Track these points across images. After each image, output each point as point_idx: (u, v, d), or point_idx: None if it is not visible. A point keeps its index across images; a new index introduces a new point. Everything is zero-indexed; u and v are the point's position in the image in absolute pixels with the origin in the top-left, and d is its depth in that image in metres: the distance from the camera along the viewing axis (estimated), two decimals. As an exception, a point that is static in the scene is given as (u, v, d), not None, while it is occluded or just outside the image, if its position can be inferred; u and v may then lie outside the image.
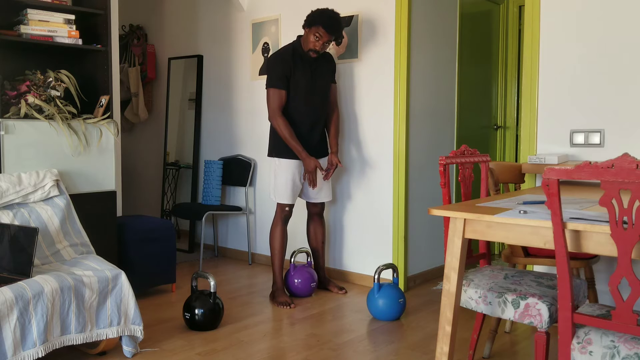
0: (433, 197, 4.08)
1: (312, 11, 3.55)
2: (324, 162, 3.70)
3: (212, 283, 3.09)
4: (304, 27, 3.55)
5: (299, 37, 3.63)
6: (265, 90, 3.57)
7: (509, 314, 2.11)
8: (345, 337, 3.04)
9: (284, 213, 3.65)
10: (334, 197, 4.10)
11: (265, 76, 3.63)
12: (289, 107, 3.54)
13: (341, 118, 4.03)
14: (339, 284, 3.93)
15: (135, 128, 5.89)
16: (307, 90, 3.55)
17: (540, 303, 2.04)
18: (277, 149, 3.61)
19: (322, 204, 3.82)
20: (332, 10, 3.53)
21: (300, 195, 3.72)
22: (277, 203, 3.65)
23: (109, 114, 3.33)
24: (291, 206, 3.65)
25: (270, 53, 4.50)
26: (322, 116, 3.67)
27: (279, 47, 4.40)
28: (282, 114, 3.51)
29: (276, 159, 3.62)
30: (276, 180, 3.62)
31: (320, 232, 3.85)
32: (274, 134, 3.63)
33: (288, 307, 3.49)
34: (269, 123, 3.63)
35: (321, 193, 3.74)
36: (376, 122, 3.92)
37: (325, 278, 3.88)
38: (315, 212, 3.83)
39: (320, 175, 3.67)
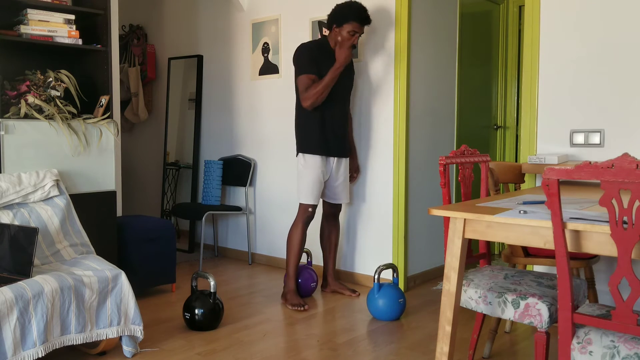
0: (433, 197, 4.08)
1: (338, 8, 3.47)
2: (345, 162, 3.67)
3: (212, 283, 3.09)
4: (332, 25, 3.47)
5: (324, 37, 3.59)
6: (295, 81, 3.48)
7: (509, 314, 2.11)
8: (345, 337, 3.04)
9: (306, 214, 3.56)
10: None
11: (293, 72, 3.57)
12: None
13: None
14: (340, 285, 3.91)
15: (135, 128, 5.89)
16: (331, 90, 3.46)
17: (540, 303, 2.04)
18: (305, 143, 3.53)
19: (340, 205, 3.78)
20: (357, 2, 3.47)
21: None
22: (301, 203, 3.56)
23: (109, 114, 3.33)
24: (314, 207, 3.57)
25: (271, 53, 4.50)
26: (345, 114, 3.65)
27: (279, 47, 4.41)
28: (303, 116, 3.49)
29: (301, 156, 3.54)
30: (301, 179, 3.55)
31: (334, 234, 3.80)
32: (299, 129, 3.56)
33: (302, 309, 3.44)
34: (294, 121, 3.59)
35: (342, 194, 3.69)
36: (376, 122, 3.92)
37: (334, 281, 3.84)
38: (332, 212, 3.77)
39: (341, 177, 3.64)
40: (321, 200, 3.75)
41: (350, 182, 3.83)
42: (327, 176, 3.59)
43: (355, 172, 3.87)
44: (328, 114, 3.52)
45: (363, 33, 3.52)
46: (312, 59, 3.45)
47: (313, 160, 3.52)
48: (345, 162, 3.67)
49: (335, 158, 3.60)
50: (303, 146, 3.55)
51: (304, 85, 3.43)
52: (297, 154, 3.61)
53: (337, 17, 3.45)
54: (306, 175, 3.53)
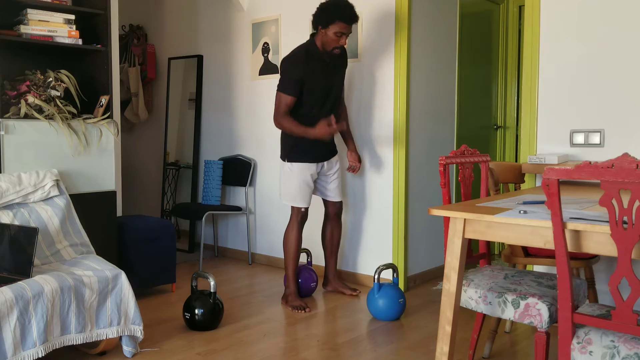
0: (433, 197, 4.08)
1: (322, 7, 3.33)
2: (336, 159, 3.66)
3: (212, 283, 3.09)
4: (317, 27, 3.35)
5: (312, 35, 3.46)
6: (276, 92, 3.45)
7: (509, 314, 2.11)
8: (345, 337, 3.04)
9: (299, 215, 3.55)
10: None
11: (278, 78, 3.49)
12: (305, 109, 3.43)
13: (341, 118, 4.02)
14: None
15: (135, 128, 5.89)
16: (324, 94, 3.42)
17: (540, 303, 2.04)
18: (290, 153, 3.50)
19: (341, 203, 3.75)
20: (344, 0, 3.32)
21: (315, 193, 3.66)
22: (292, 206, 3.55)
23: (109, 114, 3.33)
24: (307, 208, 3.57)
25: (270, 53, 4.50)
26: (338, 115, 3.61)
27: (279, 47, 4.41)
28: (294, 117, 3.41)
29: (288, 164, 3.51)
30: (289, 184, 3.52)
31: (337, 234, 3.78)
32: (285, 137, 3.54)
33: (303, 312, 3.41)
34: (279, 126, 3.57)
35: (337, 190, 3.68)
36: (376, 122, 3.92)
37: (335, 279, 3.83)
38: (334, 212, 3.74)
39: (335, 175, 3.63)
40: (322, 200, 3.75)
41: (353, 172, 3.79)
42: (315, 177, 3.57)
43: (356, 162, 3.74)
44: (318, 119, 3.43)
45: (351, 32, 3.39)
46: (297, 77, 3.33)
47: (301, 167, 3.49)
48: (336, 159, 3.67)
49: (325, 161, 3.60)
50: (293, 155, 3.50)
51: (278, 104, 3.40)
52: (282, 159, 3.57)
53: (322, 17, 3.30)
54: (294, 181, 3.50)
